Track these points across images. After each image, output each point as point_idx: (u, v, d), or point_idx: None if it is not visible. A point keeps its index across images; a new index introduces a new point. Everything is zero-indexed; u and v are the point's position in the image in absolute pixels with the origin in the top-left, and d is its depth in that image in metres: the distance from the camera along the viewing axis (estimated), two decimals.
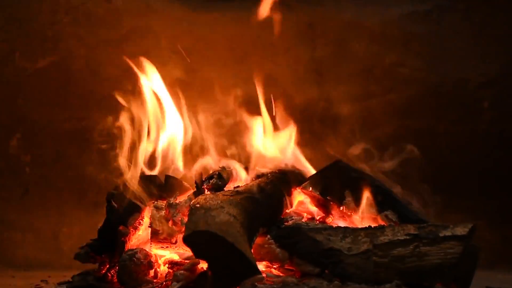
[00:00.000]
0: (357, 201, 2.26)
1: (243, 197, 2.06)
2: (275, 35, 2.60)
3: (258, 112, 2.57)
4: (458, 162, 3.46)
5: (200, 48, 3.47)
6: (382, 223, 2.19)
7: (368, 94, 3.45)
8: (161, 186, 2.35)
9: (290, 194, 2.38)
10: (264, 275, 1.99)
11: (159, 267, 2.13)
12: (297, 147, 2.52)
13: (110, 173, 2.45)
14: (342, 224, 2.25)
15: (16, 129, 3.41)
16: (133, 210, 2.26)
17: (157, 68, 2.61)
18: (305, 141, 2.57)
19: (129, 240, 2.22)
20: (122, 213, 2.25)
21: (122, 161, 2.40)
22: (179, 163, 2.48)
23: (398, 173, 2.39)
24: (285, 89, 3.28)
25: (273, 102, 2.57)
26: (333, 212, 2.31)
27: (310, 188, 2.34)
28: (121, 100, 2.45)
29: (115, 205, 2.26)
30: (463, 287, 2.08)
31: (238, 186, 2.23)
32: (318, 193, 2.32)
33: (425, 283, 1.98)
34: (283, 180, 2.37)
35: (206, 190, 2.25)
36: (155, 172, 2.44)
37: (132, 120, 2.50)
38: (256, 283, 1.91)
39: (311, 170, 2.47)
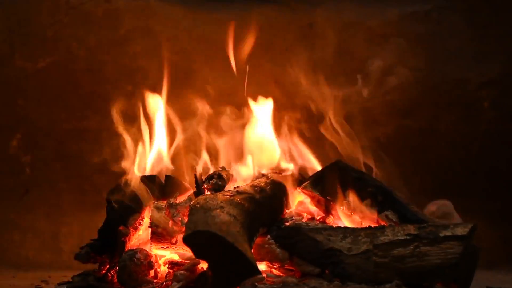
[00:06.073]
0: (357, 201, 2.26)
1: (243, 197, 2.06)
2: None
3: (258, 113, 2.57)
4: (458, 162, 3.46)
5: (200, 49, 3.46)
6: (382, 223, 2.18)
7: (368, 94, 3.45)
8: (161, 186, 2.35)
9: (290, 194, 2.37)
10: (264, 275, 1.99)
11: (159, 267, 2.13)
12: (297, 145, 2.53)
13: (111, 173, 2.45)
14: (342, 224, 2.25)
15: (16, 130, 3.40)
16: (133, 211, 2.26)
17: (156, 68, 2.62)
18: (304, 142, 2.57)
19: (129, 240, 2.22)
20: (122, 213, 2.25)
21: (123, 161, 2.40)
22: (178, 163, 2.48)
23: None
24: (284, 89, 3.28)
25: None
26: (333, 212, 2.31)
27: (310, 188, 2.34)
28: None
29: (115, 205, 2.26)
30: (463, 287, 2.08)
31: (238, 186, 2.23)
32: (318, 193, 2.32)
33: (425, 283, 1.98)
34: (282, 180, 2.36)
35: (206, 190, 2.25)
36: (155, 172, 2.44)
37: (133, 120, 2.51)
38: (256, 283, 1.91)
39: (316, 166, 2.47)
